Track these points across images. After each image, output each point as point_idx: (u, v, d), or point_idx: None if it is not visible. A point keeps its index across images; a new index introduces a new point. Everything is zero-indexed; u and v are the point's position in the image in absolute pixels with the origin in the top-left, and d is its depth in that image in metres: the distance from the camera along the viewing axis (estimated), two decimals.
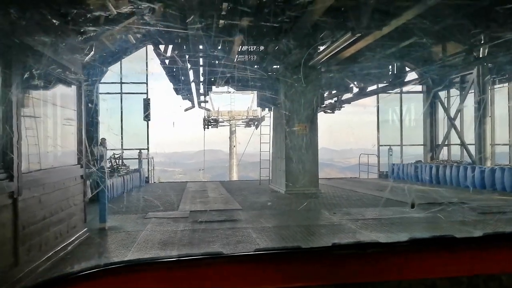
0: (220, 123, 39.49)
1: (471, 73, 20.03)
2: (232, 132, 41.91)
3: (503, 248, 1.11)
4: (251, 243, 8.16)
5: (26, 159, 6.35)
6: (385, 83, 20.93)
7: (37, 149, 7.28)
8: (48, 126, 8.33)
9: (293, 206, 13.06)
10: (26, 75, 7.80)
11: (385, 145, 25.51)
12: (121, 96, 22.94)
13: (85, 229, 8.59)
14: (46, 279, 0.98)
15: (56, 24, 8.33)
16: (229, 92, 30.82)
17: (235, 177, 39.93)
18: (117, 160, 20.03)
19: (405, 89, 24.57)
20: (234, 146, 42.49)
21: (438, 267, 1.07)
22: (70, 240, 7.66)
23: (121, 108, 22.93)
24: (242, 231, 9.24)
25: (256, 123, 35.67)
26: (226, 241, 8.32)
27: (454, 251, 1.10)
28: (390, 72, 19.90)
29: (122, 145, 22.53)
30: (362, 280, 1.04)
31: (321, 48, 16.13)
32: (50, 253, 6.68)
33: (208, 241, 8.40)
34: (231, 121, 40.55)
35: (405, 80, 20.50)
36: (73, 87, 9.27)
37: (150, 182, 22.90)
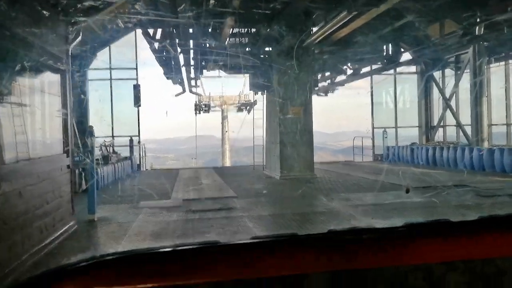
0: (211, 108, 39.07)
1: (467, 52, 19.67)
2: (224, 118, 41.54)
3: (498, 232, 1.10)
4: (248, 233, 7.80)
5: (7, 148, 5.92)
6: (379, 64, 20.53)
7: (20, 138, 6.85)
8: (32, 114, 7.89)
9: (289, 193, 12.71)
10: (8, 62, 7.34)
11: (379, 128, 25.21)
12: (110, 82, 22.38)
13: (73, 222, 8.16)
14: (35, 275, 0.95)
15: (46, 15, 7.89)
16: (220, 77, 30.22)
17: (228, 162, 39.63)
18: (108, 148, 19.56)
19: (399, 70, 24.24)
20: (226, 132, 42.16)
21: (434, 252, 1.06)
22: (57, 234, 7.24)
23: (111, 95, 22.38)
24: (237, 220, 8.87)
25: (248, 107, 35.32)
26: (222, 232, 7.95)
27: (449, 236, 1.09)
28: (384, 53, 19.48)
29: (112, 132, 22.07)
30: (358, 266, 1.03)
31: (315, 29, 15.70)
32: (35, 249, 6.26)
33: (202, 231, 8.02)
34: (223, 106, 40.11)
35: (400, 61, 20.13)
36: (59, 74, 8.80)
37: (142, 169, 22.47)
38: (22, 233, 5.99)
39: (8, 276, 5.34)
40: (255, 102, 30.16)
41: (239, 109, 38.83)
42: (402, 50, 19.95)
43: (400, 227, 1.10)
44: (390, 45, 19.18)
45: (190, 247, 1.01)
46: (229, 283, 0.98)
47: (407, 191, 11.24)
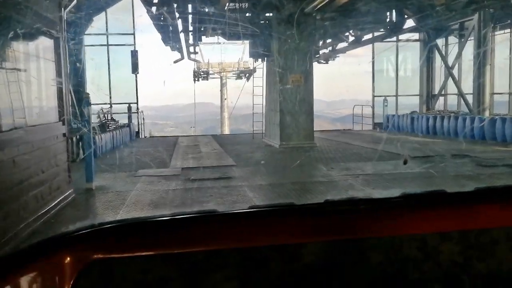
0: (210, 76, 38.66)
1: (471, 19, 19.26)
2: (223, 85, 41.16)
3: (494, 203, 1.11)
4: (248, 202, 7.71)
5: (2, 115, 5.78)
6: (382, 31, 20.08)
7: (16, 105, 6.69)
8: (27, 81, 7.69)
9: (288, 162, 12.59)
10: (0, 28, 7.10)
11: (380, 96, 24.97)
12: (107, 49, 21.97)
13: (70, 191, 8.06)
14: (34, 243, 0.96)
15: None
16: (219, 43, 29.73)
17: (227, 130, 39.48)
18: (106, 115, 19.36)
19: (401, 37, 23.80)
20: (225, 99, 41.83)
21: (430, 222, 1.07)
22: (54, 203, 7.15)
23: (108, 61, 22.02)
24: (237, 190, 8.78)
25: (247, 75, 34.95)
26: (221, 201, 7.87)
27: (445, 206, 1.10)
28: (387, 20, 19.01)
29: (110, 99, 21.81)
30: (354, 236, 1.04)
31: None
32: (32, 218, 6.18)
33: (201, 201, 7.94)
34: (222, 73, 39.65)
35: (403, 28, 19.67)
36: (53, 40, 8.53)
37: (140, 136, 22.30)
38: (18, 202, 5.89)
39: (5, 245, 5.27)
40: (254, 70, 29.75)
41: (238, 77, 38.41)
42: (406, 17, 19.47)
43: (397, 198, 1.12)
44: (393, 11, 18.69)
45: (188, 216, 1.03)
46: (227, 251, 0.99)
47: (405, 163, 11.15)
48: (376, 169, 10.78)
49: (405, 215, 1.08)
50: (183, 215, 1.02)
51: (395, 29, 19.20)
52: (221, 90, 41.37)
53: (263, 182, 9.78)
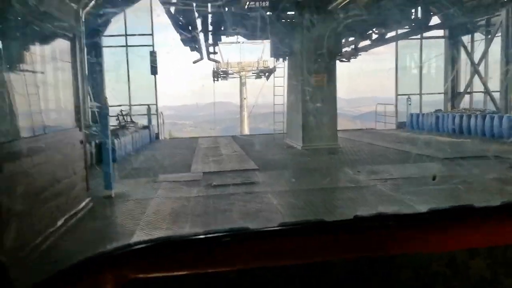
0: (229, 75, 38.46)
1: (499, 15, 18.61)
2: (242, 84, 40.88)
3: None
4: (273, 211, 7.34)
5: (10, 124, 5.51)
6: (407, 28, 19.48)
7: (35, 109, 6.45)
8: (44, 84, 7.45)
9: (312, 165, 12.16)
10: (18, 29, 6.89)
11: (403, 94, 24.40)
12: (126, 49, 21.80)
13: (88, 199, 7.78)
14: (70, 265, 0.94)
15: None
16: (239, 42, 29.43)
17: (246, 129, 39.22)
18: (125, 117, 19.20)
19: (426, 34, 23.12)
20: (245, 98, 41.56)
21: (458, 238, 1.06)
22: (72, 213, 6.87)
23: (127, 62, 21.84)
24: (261, 197, 8.39)
25: (267, 74, 34.68)
26: (245, 210, 7.50)
27: (473, 221, 1.09)
28: (413, 16, 18.41)
29: (129, 100, 21.67)
30: (383, 253, 1.04)
31: None
32: (48, 232, 5.90)
33: (224, 209, 7.59)
34: (241, 72, 39.39)
35: (429, 25, 19.05)
36: (72, 41, 8.28)
37: (160, 138, 22.10)
38: (35, 212, 5.60)
39: (21, 261, 4.98)
40: (274, 69, 29.39)
41: (258, 76, 38.09)
42: (431, 13, 18.85)
43: (425, 213, 1.11)
44: (419, 8, 18.10)
45: (222, 234, 1.02)
46: (258, 270, 1.00)
47: (434, 179, 10.61)
48: (404, 172, 10.30)
49: (434, 231, 1.07)
50: (217, 232, 1.02)
51: (420, 26, 18.62)
52: (240, 90, 41.11)
53: (288, 188, 9.39)
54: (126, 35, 21.35)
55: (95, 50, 19.97)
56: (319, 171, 11.01)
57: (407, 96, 23.89)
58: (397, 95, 24.90)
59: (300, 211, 7.38)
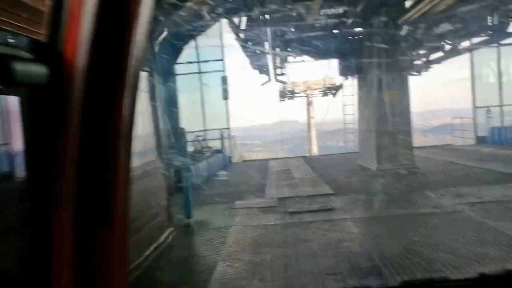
0: (296, 94, 38.45)
1: None
2: (309, 103, 40.64)
3: None
4: (355, 242, 7.10)
5: None
6: (482, 36, 18.51)
7: None
8: None
9: (390, 188, 11.71)
10: None
11: (480, 107, 23.16)
12: (199, 76, 22.39)
13: (171, 229, 7.93)
14: None
15: None
16: (304, 61, 29.42)
17: (315, 149, 38.85)
18: (201, 142, 19.69)
19: (504, 42, 21.87)
20: (312, 117, 41.26)
21: None
22: (156, 244, 7.02)
23: (201, 89, 22.42)
24: (340, 225, 8.17)
25: (333, 91, 34.28)
26: (325, 240, 7.31)
27: None
28: (490, 24, 17.49)
29: (204, 126, 22.18)
30: None
31: (408, 4, 14.38)
32: (134, 265, 6.03)
33: (304, 239, 7.44)
34: (307, 91, 39.25)
35: (507, 32, 18.00)
36: (147, 74, 8.57)
37: (232, 161, 22.39)
38: None
39: None
40: (341, 86, 29.13)
41: (324, 94, 37.78)
42: (510, 19, 17.82)
43: (474, 278, 1.15)
44: (495, 15, 17.19)
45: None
46: None
47: None
48: (494, 195, 9.65)
49: None
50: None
51: (498, 34, 17.67)
52: (307, 108, 40.93)
53: (367, 214, 9.08)
54: (198, 61, 21.94)
55: (169, 78, 20.68)
56: (398, 195, 10.58)
57: (486, 108, 22.66)
58: (474, 108, 23.69)
59: (384, 241, 7.09)
